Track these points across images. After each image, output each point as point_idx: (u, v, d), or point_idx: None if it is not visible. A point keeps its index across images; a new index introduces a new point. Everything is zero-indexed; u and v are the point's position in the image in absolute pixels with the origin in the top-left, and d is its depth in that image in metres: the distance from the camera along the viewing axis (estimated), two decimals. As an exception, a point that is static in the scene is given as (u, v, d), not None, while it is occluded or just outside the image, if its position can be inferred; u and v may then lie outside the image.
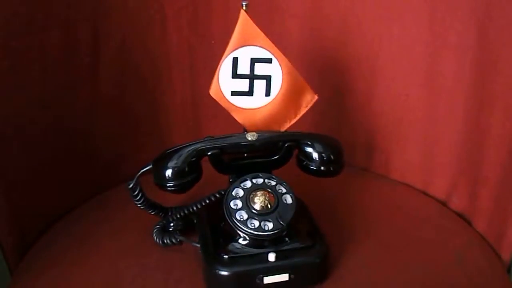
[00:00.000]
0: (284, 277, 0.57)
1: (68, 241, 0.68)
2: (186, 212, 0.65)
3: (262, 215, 0.58)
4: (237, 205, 0.59)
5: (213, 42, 0.82)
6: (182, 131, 0.86)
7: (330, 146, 0.64)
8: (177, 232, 0.66)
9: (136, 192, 0.65)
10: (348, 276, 0.61)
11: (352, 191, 0.79)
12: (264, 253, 0.57)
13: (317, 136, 0.64)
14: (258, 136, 0.61)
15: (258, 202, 0.59)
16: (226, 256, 0.57)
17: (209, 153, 0.60)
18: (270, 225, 0.58)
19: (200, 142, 0.61)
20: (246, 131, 0.63)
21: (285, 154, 0.62)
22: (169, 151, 0.61)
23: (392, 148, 0.82)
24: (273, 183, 0.61)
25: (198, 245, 0.61)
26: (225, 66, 0.61)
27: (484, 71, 0.67)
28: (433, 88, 0.74)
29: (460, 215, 0.75)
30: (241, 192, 0.60)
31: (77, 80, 0.74)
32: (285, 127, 0.65)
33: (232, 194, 0.60)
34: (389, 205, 0.76)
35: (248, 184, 0.61)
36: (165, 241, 0.65)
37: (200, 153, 0.60)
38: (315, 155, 0.62)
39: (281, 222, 0.58)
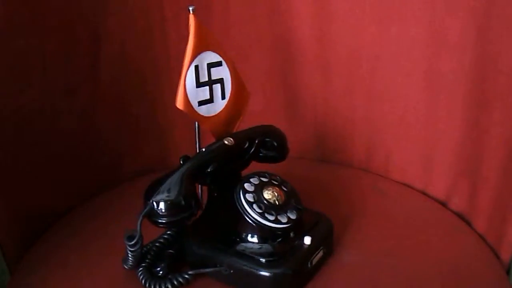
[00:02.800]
0: (321, 253, 0.60)
1: (67, 241, 0.68)
2: (162, 247, 0.60)
3: (283, 207, 0.59)
4: (255, 209, 0.58)
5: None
6: (181, 131, 0.86)
7: (282, 135, 0.68)
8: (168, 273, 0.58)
9: (137, 247, 0.56)
10: (343, 273, 0.61)
11: (352, 191, 0.79)
12: (296, 240, 0.59)
13: (270, 128, 0.68)
14: (233, 139, 0.62)
15: (273, 198, 0.59)
16: (273, 259, 0.56)
17: (209, 170, 0.59)
18: (293, 214, 0.59)
19: (190, 162, 0.58)
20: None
21: (255, 150, 0.64)
22: (169, 180, 0.56)
23: (392, 148, 0.82)
24: (266, 179, 0.62)
25: (222, 267, 0.57)
26: (190, 76, 0.59)
27: (484, 71, 0.66)
28: (432, 88, 0.74)
29: (460, 215, 0.74)
30: (250, 196, 0.59)
31: (77, 80, 0.74)
32: (236, 127, 0.65)
33: (247, 200, 0.59)
34: (389, 205, 0.76)
35: (250, 187, 0.60)
36: (176, 281, 0.56)
37: (200, 172, 0.58)
38: (275, 144, 0.66)
39: (299, 207, 0.60)
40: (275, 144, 0.66)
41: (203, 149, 0.61)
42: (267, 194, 0.60)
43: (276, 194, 0.60)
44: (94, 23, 0.73)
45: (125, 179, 0.82)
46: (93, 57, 0.75)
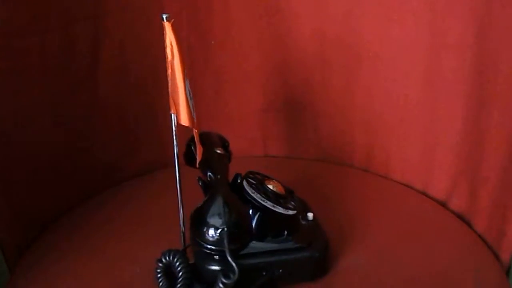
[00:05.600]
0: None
1: (67, 241, 0.68)
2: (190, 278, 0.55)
3: (288, 195, 0.60)
4: (278, 205, 0.58)
5: (213, 42, 0.82)
6: (181, 132, 0.86)
7: (225, 138, 0.69)
8: None
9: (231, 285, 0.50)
10: (345, 273, 0.61)
11: (352, 191, 0.79)
12: (304, 220, 0.62)
13: (217, 133, 0.69)
14: (221, 148, 0.63)
15: (277, 189, 0.60)
16: (305, 244, 0.59)
17: (238, 182, 0.60)
18: (296, 198, 0.62)
19: (224, 180, 0.58)
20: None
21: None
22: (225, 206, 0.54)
23: (392, 148, 0.82)
24: (256, 177, 0.61)
25: (272, 269, 0.57)
26: (188, 90, 0.54)
27: (484, 71, 0.66)
28: (432, 88, 0.74)
29: (459, 216, 0.74)
30: (267, 195, 0.59)
31: (76, 81, 0.74)
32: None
33: (267, 198, 0.58)
34: (389, 205, 0.76)
35: (257, 187, 0.60)
36: None
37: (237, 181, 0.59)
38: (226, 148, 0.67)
39: (293, 190, 0.63)
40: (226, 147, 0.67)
41: (210, 163, 0.60)
42: (272, 188, 0.60)
43: (276, 185, 0.60)
44: (94, 23, 0.73)
45: (124, 180, 0.82)
46: (93, 57, 0.75)
